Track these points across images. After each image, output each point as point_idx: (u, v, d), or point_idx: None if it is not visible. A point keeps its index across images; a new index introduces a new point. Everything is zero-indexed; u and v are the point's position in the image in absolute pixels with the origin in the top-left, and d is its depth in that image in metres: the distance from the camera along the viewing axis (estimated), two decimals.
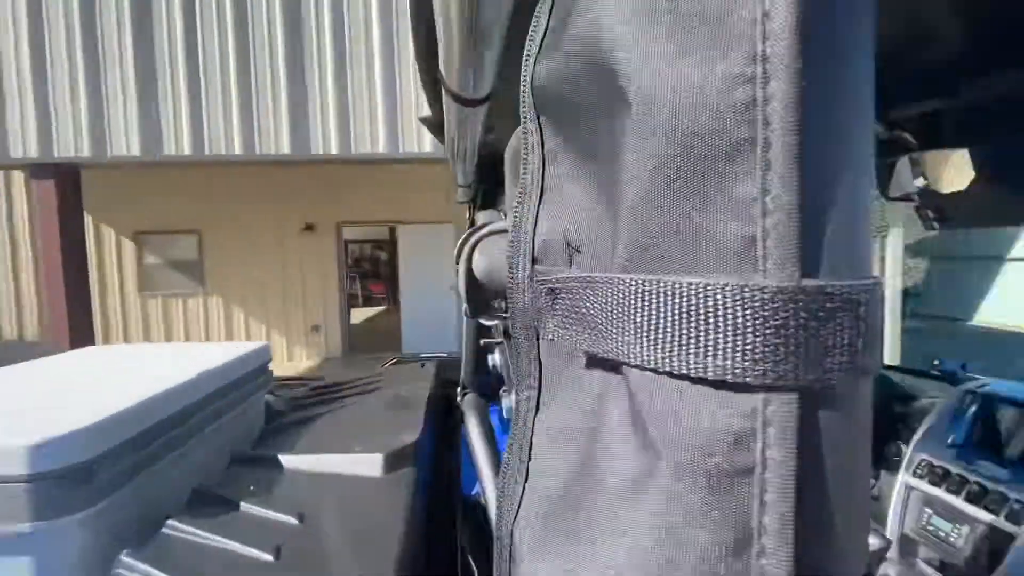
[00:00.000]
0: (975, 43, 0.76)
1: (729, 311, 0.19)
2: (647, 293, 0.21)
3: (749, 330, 0.19)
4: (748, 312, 0.19)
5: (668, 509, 0.20)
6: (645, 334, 0.21)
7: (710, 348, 0.19)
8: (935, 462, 1.29)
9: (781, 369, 0.19)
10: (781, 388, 0.19)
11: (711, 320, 0.19)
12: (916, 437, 1.37)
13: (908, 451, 1.37)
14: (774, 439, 0.19)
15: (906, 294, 7.62)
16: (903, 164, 1.07)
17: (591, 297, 0.24)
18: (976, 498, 1.18)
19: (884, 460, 1.44)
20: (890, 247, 5.65)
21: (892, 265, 5.70)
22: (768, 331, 0.18)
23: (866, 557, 0.24)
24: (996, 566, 1.09)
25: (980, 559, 1.14)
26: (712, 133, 0.19)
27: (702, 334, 0.19)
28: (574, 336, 0.26)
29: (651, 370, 0.21)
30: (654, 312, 0.21)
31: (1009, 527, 1.10)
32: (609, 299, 0.22)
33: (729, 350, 0.19)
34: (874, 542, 1.18)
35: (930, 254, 9.97)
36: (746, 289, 0.19)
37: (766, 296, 0.18)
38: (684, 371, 0.20)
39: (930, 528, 1.26)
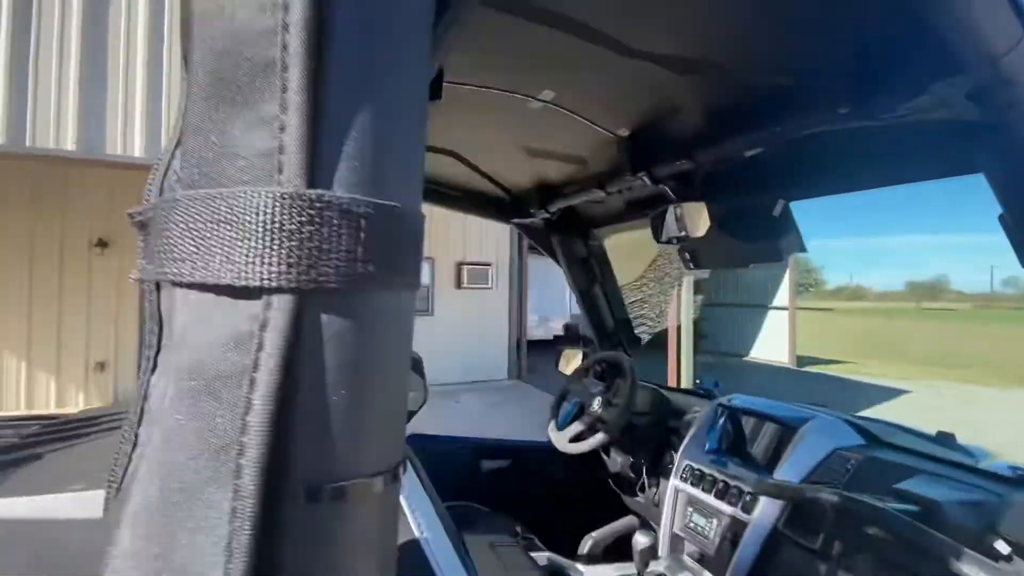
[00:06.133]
0: (709, 119, 1.08)
1: (243, 218, 0.20)
2: (191, 209, 0.22)
3: (256, 235, 0.20)
4: (257, 218, 0.20)
5: (174, 409, 0.21)
6: (184, 250, 0.22)
7: (227, 256, 0.20)
8: (695, 466, 1.49)
9: (281, 271, 0.20)
10: (281, 290, 0.20)
11: (230, 229, 0.20)
12: (682, 446, 1.58)
13: (677, 458, 1.57)
14: (269, 341, 0.20)
15: (699, 335, 9.82)
16: (669, 215, 1.29)
17: (167, 221, 0.23)
18: (722, 494, 1.38)
19: (661, 468, 1.67)
20: (684, 298, 6.98)
21: (686, 312, 7.10)
22: (271, 236, 0.20)
23: (390, 464, 0.24)
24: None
25: (725, 546, 1.32)
26: (244, 55, 0.21)
27: (222, 243, 0.21)
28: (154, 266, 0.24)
29: (184, 285, 0.22)
30: (191, 227, 0.21)
31: (743, 516, 1.30)
32: (177, 220, 0.22)
33: (240, 255, 0.20)
34: (644, 540, 1.53)
35: (717, 303, 13.20)
36: (255, 195, 0.20)
37: (271, 201, 0.20)
38: (205, 280, 0.21)
39: (691, 525, 1.45)
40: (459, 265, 8.25)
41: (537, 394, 7.08)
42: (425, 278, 7.97)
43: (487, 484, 1.97)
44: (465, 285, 8.24)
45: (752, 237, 1.27)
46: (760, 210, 1.23)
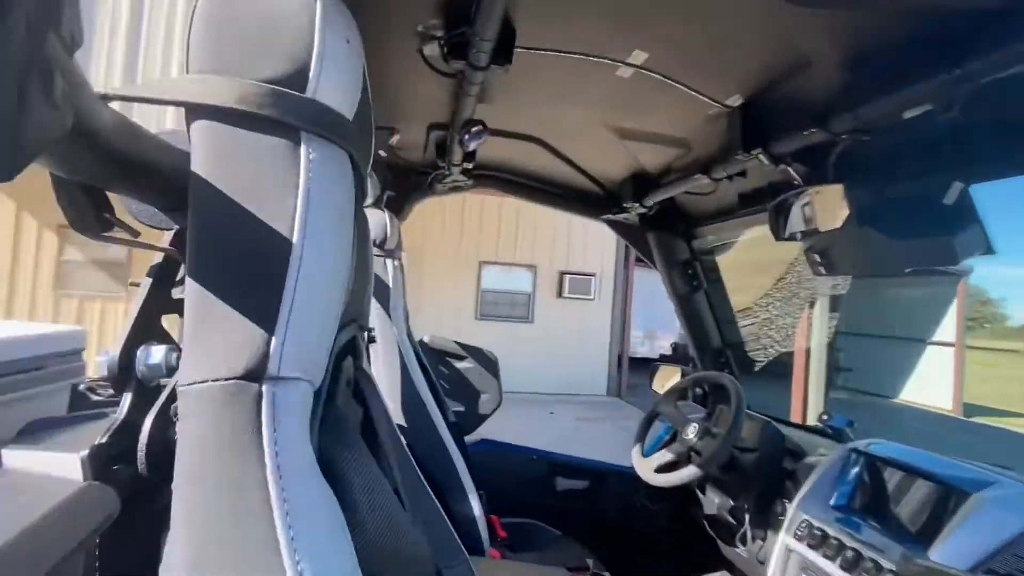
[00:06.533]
0: (852, 72, 0.82)
1: None
2: None
3: None
4: None
5: None
6: None
7: None
8: (815, 523, 1.19)
9: None
10: None
11: None
12: (800, 495, 1.27)
13: (791, 510, 1.26)
14: None
15: (837, 368, 8.62)
16: (794, 204, 1.08)
17: None
18: (851, 565, 1.07)
19: (769, 518, 1.36)
20: (816, 319, 5.72)
21: (818, 334, 5.84)
22: None
23: None
24: None
25: None
26: None
27: None
28: None
29: None
30: None
31: None
32: None
33: None
34: None
35: (861, 332, 10.63)
36: None
37: None
38: None
39: None
40: (561, 274, 8.12)
41: (635, 414, 6.67)
42: (526, 285, 7.96)
43: (561, 504, 1.80)
44: (566, 294, 8.09)
45: (912, 232, 0.96)
46: (925, 195, 0.92)
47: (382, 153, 1.55)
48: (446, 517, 0.69)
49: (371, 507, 0.30)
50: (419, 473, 0.67)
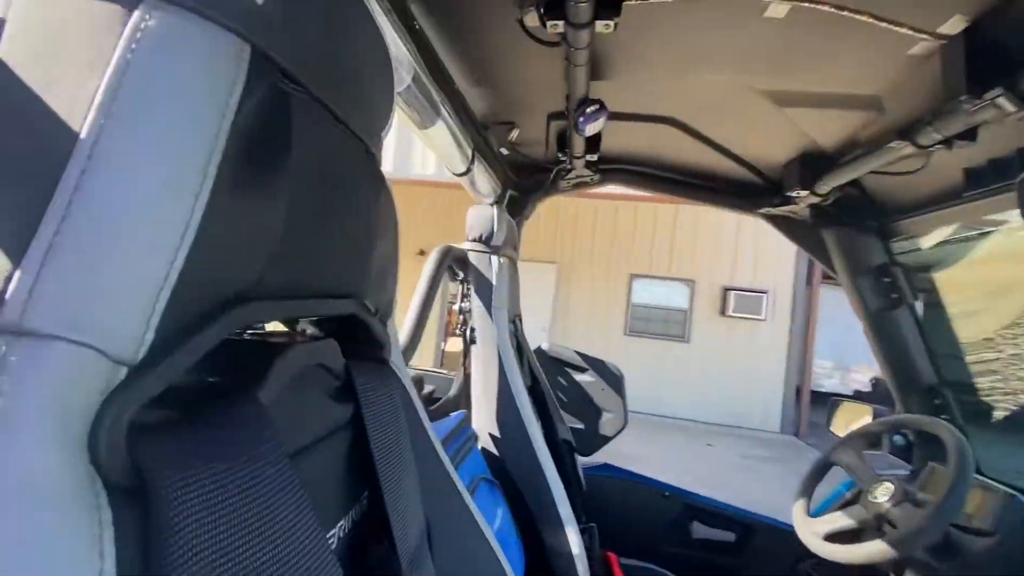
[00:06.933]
0: None
1: None
2: None
3: None
4: None
5: None
6: None
7: None
8: None
9: None
10: None
11: None
12: None
13: None
14: None
15: None
16: None
17: None
18: None
19: None
20: None
21: None
22: None
23: None
24: None
25: None
26: None
27: None
28: None
29: None
30: None
31: None
32: None
33: None
34: None
35: None
36: None
37: None
38: None
39: None
40: (725, 290, 7.31)
41: (815, 458, 5.58)
42: (682, 301, 7.34)
43: (698, 555, 1.51)
44: (730, 313, 7.25)
45: None
46: None
47: (503, 151, 1.51)
48: (496, 551, 0.56)
49: (197, 547, 0.20)
50: (467, 500, 0.55)
